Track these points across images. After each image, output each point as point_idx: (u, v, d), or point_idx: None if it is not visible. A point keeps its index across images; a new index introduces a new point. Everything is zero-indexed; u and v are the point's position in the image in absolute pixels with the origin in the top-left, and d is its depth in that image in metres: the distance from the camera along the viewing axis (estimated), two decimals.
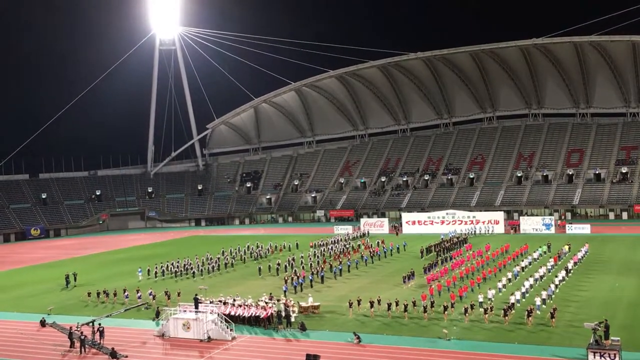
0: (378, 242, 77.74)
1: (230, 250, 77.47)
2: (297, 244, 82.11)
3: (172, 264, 66.46)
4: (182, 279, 62.20)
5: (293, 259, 66.51)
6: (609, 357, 31.98)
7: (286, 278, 56.05)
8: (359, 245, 77.49)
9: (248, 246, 79.95)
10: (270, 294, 50.16)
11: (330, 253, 72.43)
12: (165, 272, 65.14)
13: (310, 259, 68.18)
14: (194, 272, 63.92)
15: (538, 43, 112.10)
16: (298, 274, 57.39)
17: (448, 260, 63.64)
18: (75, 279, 63.47)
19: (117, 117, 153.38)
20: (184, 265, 66.59)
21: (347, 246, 77.45)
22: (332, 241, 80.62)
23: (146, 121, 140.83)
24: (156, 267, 65.61)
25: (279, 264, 64.21)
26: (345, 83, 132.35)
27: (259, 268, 63.44)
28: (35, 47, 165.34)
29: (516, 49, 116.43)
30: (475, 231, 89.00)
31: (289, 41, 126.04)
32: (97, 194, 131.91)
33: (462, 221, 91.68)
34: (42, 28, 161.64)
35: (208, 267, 66.23)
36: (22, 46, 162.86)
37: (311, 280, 56.57)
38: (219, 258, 70.69)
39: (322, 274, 58.63)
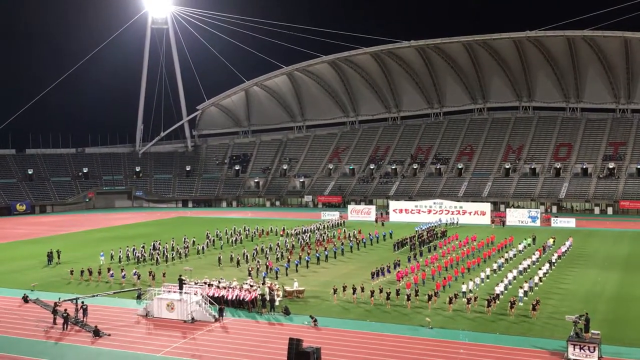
0: (355, 233, 74.77)
1: (217, 232, 77.45)
2: (283, 228, 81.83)
3: (143, 247, 64.82)
4: (145, 265, 59.39)
5: (262, 249, 64.49)
6: (589, 349, 32.34)
7: (250, 269, 53.86)
8: (333, 235, 76.43)
9: (234, 229, 79.94)
10: (249, 276, 50.34)
11: (300, 243, 70.01)
12: (129, 257, 62.66)
13: (278, 247, 65.63)
14: (157, 259, 61.23)
15: (531, 36, 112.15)
16: (260, 265, 55.51)
17: (421, 255, 61.65)
18: (58, 256, 63.12)
19: (106, 95, 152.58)
20: (149, 249, 64.54)
21: (323, 235, 74.90)
22: (304, 230, 78.21)
23: (136, 100, 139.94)
24: (120, 252, 63.04)
25: (240, 255, 60.86)
26: (337, 69, 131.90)
27: (219, 258, 60.05)
28: (26, 22, 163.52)
29: (509, 41, 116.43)
30: (440, 222, 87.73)
31: (282, 25, 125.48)
32: (84, 171, 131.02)
33: (449, 211, 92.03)
34: (31, 4, 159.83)
35: (172, 254, 63.54)
36: (12, 21, 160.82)
37: (297, 264, 56.68)
38: (193, 242, 69.61)
39: (307, 258, 58.88)
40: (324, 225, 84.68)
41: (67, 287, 50.83)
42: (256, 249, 64.06)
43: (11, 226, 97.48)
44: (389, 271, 53.06)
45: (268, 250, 64.32)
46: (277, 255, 61.59)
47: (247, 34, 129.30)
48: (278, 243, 68.57)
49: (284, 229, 79.89)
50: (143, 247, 65.99)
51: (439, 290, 45.34)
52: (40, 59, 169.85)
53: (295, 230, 78.32)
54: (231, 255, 61.16)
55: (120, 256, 62.35)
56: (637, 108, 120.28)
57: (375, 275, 51.39)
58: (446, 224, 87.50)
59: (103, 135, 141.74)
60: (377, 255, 64.32)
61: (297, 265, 56.71)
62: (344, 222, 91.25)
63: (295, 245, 68.54)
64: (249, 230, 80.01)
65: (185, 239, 72.25)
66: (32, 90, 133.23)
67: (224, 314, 41.32)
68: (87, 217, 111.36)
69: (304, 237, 73.40)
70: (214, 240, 73.22)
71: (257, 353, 34.55)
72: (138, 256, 62.49)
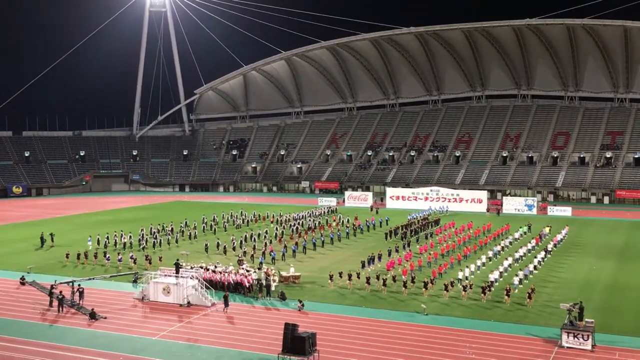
0: (348, 219, 74.55)
1: (214, 217, 77.45)
2: (280, 213, 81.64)
3: (142, 232, 64.14)
4: (126, 252, 57.39)
5: (251, 236, 63.37)
6: (582, 338, 32.54)
7: (240, 256, 52.98)
8: (326, 221, 75.76)
9: (231, 213, 79.99)
10: (239, 263, 50.11)
11: (291, 230, 68.41)
12: (117, 243, 61.01)
13: (266, 237, 63.69)
14: (143, 246, 59.56)
15: (531, 24, 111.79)
16: (255, 252, 55.07)
17: (417, 242, 61.63)
18: (52, 240, 62.91)
19: (104, 78, 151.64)
20: (138, 234, 63.96)
21: (315, 222, 74.01)
22: (295, 217, 77.35)
23: (133, 83, 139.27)
24: (107, 237, 62.06)
25: (228, 243, 59.59)
26: (336, 55, 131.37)
27: (206, 245, 58.62)
28: (22, 5, 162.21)
29: (509, 29, 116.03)
30: (431, 209, 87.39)
31: (281, 9, 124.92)
32: (81, 154, 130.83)
33: (445, 198, 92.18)
34: None
35: (160, 239, 62.35)
36: (9, 4, 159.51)
37: (295, 251, 56.78)
38: (194, 226, 69.43)
39: (304, 244, 58.97)
40: (316, 212, 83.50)
41: (64, 270, 50.91)
42: (245, 236, 62.99)
43: (7, 208, 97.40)
44: (379, 259, 52.59)
45: (256, 238, 63.40)
46: (266, 242, 60.43)
47: (245, 18, 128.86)
48: (267, 230, 67.55)
49: (280, 214, 79.70)
50: (142, 230, 65.82)
51: (435, 278, 45.49)
52: (37, 41, 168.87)
53: (286, 217, 77.73)
54: (217, 243, 60.04)
55: (106, 242, 61.10)
56: (635, 97, 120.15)
57: (365, 264, 50.35)
58: (435, 212, 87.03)
59: (100, 119, 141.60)
60: (374, 241, 64.43)
61: (294, 251, 56.83)
62: (336, 209, 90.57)
63: (285, 233, 67.56)
64: (245, 215, 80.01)
65: (186, 222, 72.00)
66: (29, 73, 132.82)
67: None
68: (83, 200, 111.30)
69: (295, 224, 72.50)
70: (211, 225, 73.16)
71: (253, 337, 34.69)
72: (125, 242, 61.32)
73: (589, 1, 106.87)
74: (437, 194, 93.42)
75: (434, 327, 36.24)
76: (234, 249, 58.81)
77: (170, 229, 68.15)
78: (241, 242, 60.56)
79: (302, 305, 39.78)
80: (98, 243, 61.09)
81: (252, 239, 62.66)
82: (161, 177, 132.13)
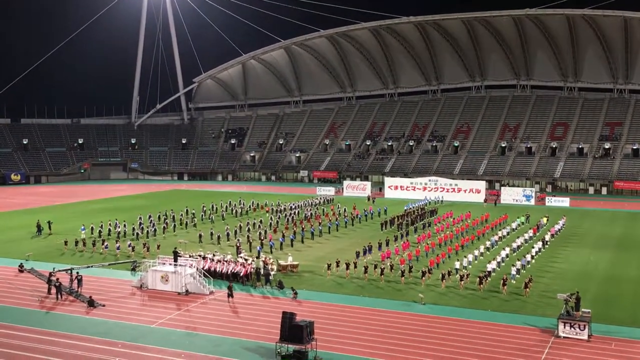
0: (345, 209, 74.97)
1: (212, 205, 77.39)
2: (278, 202, 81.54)
3: (140, 220, 63.99)
4: (125, 240, 56.80)
5: (246, 224, 62.98)
6: (579, 328, 32.69)
7: (238, 246, 52.41)
8: (322, 210, 75.24)
9: (230, 202, 79.99)
10: (237, 252, 50.10)
11: (288, 219, 67.96)
12: (111, 232, 60.73)
13: (260, 226, 62.98)
14: (137, 234, 59.75)
15: (531, 14, 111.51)
16: (241, 242, 54.66)
17: (415, 232, 61.90)
18: (50, 227, 62.83)
19: (102, 65, 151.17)
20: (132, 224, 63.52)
21: (311, 211, 73.49)
22: (291, 206, 77.02)
23: (132, 71, 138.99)
24: (101, 225, 61.31)
25: (222, 232, 59.29)
26: (335, 44, 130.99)
27: (200, 235, 58.30)
28: None
29: (509, 19, 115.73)
30: (426, 199, 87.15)
31: None
32: (80, 142, 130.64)
33: (444, 188, 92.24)
34: None
35: (155, 228, 62.37)
36: None
37: (293, 240, 56.81)
38: (193, 214, 69.37)
39: (302, 234, 58.96)
40: (312, 202, 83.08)
41: (62, 258, 50.97)
42: (239, 225, 62.46)
43: (6, 196, 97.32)
44: (379, 248, 52.38)
45: (251, 227, 63.01)
46: (260, 232, 59.94)
47: (245, 6, 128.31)
48: (261, 220, 67.14)
49: (279, 204, 79.50)
50: (140, 218, 65.79)
51: (432, 267, 45.59)
52: (35, 28, 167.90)
53: (282, 206, 77.49)
54: (211, 232, 59.79)
55: (100, 230, 60.41)
56: (634, 88, 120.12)
57: (359, 255, 49.76)
58: (432, 202, 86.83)
59: (99, 107, 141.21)
60: (372, 231, 64.50)
61: (292, 240, 56.92)
62: (333, 198, 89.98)
63: (281, 223, 67.25)
64: (244, 204, 80.00)
65: (187, 210, 71.88)
66: (28, 60, 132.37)
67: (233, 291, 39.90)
68: (82, 188, 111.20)
69: (291, 213, 72.04)
70: (209, 215, 73.01)
71: (250, 326, 34.80)
72: (119, 230, 61.01)
73: None
74: (435, 183, 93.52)
75: (431, 317, 36.38)
76: (227, 238, 58.63)
77: (171, 216, 68.10)
78: (235, 231, 60.18)
79: (296, 293, 39.89)
80: (92, 232, 60.58)
81: (247, 229, 62.56)
82: (160, 166, 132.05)
